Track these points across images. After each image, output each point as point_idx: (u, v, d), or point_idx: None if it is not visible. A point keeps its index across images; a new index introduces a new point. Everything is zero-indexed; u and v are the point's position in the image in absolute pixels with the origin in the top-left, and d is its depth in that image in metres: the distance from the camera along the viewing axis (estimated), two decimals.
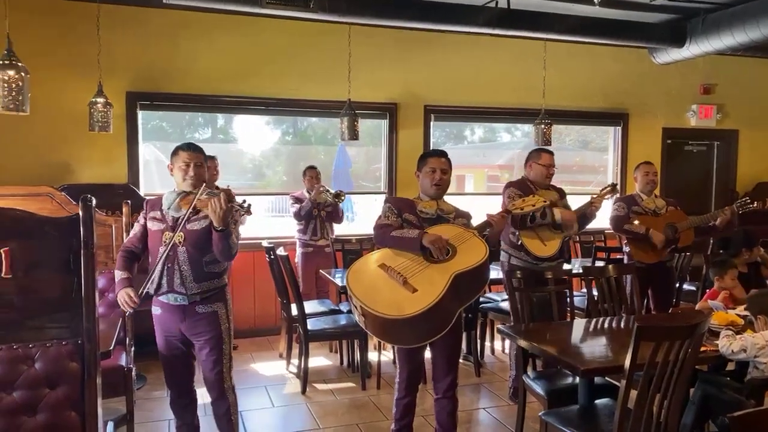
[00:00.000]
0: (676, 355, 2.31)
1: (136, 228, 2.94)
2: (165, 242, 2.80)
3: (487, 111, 6.37)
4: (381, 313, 2.60)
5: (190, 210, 2.76)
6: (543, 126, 5.66)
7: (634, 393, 2.34)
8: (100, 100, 4.62)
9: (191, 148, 2.90)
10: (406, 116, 6.02)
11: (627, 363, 2.28)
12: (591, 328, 3.26)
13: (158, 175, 5.57)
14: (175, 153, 2.91)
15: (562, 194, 4.10)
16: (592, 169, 7.48)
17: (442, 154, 3.07)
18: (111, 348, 2.83)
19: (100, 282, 3.78)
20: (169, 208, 2.85)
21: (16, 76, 3.10)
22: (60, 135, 4.99)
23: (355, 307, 2.74)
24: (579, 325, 3.35)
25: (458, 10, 5.08)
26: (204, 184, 2.84)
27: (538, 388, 3.12)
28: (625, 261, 4.56)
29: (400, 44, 5.88)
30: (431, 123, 6.15)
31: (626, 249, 4.56)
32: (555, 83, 6.14)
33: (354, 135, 5.19)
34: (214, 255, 2.83)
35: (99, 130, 4.67)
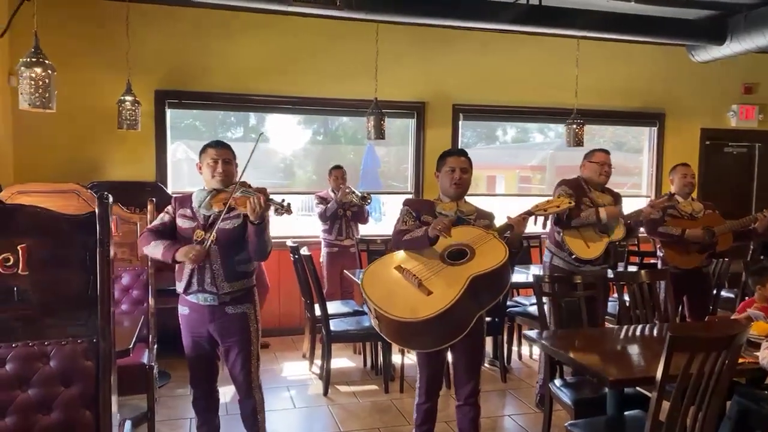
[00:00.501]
0: (711, 367, 2.18)
1: (165, 217, 2.89)
2: (196, 240, 2.78)
3: (518, 110, 6.24)
4: (395, 315, 2.53)
5: (225, 209, 2.72)
6: (575, 126, 5.52)
7: (666, 404, 2.23)
8: (129, 98, 4.66)
9: (219, 145, 2.88)
10: (434, 115, 5.94)
11: (659, 374, 2.16)
12: (622, 336, 3.13)
13: (189, 175, 5.61)
14: (203, 150, 2.88)
15: (617, 198, 3.94)
16: (626, 171, 7.28)
17: (462, 153, 2.98)
18: (130, 346, 2.82)
19: (125, 279, 3.80)
20: (200, 207, 2.82)
21: (43, 74, 3.11)
22: (89, 133, 5.05)
23: (370, 310, 2.68)
24: (609, 332, 3.22)
25: (486, 6, 4.98)
26: (240, 183, 2.81)
27: (565, 396, 3.01)
28: (660, 266, 4.40)
29: (429, 42, 5.80)
30: (460, 122, 6.05)
31: (660, 253, 4.39)
32: (588, 82, 5.98)
33: (380, 134, 5.13)
34: (246, 254, 2.81)
35: (127, 128, 4.70)
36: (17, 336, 2.01)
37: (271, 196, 2.71)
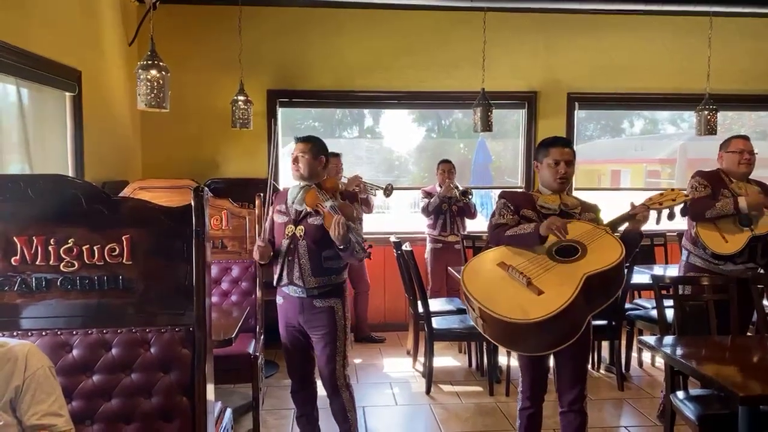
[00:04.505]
0: None
1: (268, 219, 3.01)
2: (287, 235, 2.84)
3: (641, 97, 5.76)
4: (503, 316, 2.37)
5: (312, 210, 2.78)
6: (706, 112, 5.00)
7: None
8: (241, 98, 4.85)
9: (299, 140, 2.93)
10: (546, 105, 5.65)
11: None
12: (758, 347, 2.75)
13: None
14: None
15: (766, 191, 3.50)
16: None
17: (566, 142, 2.75)
18: (233, 336, 2.90)
19: (235, 271, 3.95)
20: (293, 202, 2.87)
21: (158, 75, 3.29)
22: (206, 132, 5.32)
23: (472, 309, 2.54)
24: (742, 341, 2.85)
25: None
26: (330, 193, 2.82)
27: (689, 411, 2.70)
28: None
29: (538, 28, 5.53)
30: (575, 112, 5.70)
31: None
32: (722, 64, 5.38)
33: (487, 126, 4.95)
34: (333, 251, 2.81)
35: (240, 126, 4.90)
36: (123, 322, 2.11)
37: (366, 182, 2.70)
